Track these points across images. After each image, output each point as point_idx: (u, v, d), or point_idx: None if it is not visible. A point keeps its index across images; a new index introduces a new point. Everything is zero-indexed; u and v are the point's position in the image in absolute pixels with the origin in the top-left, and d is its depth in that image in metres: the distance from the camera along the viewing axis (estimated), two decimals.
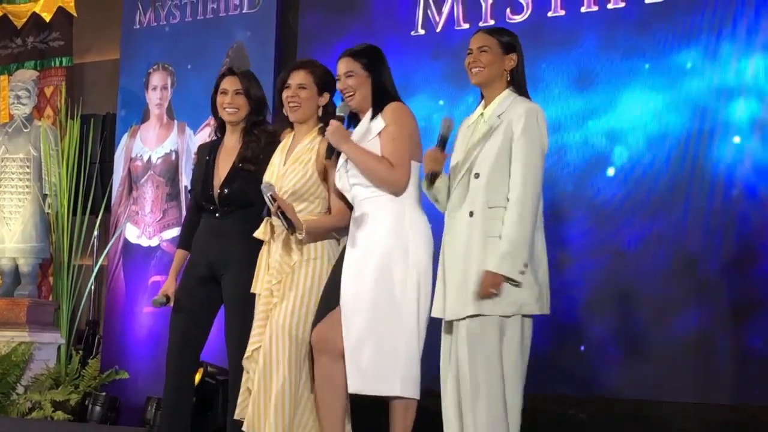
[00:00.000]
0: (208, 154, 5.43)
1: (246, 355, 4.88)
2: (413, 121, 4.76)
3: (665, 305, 5.89)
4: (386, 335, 4.58)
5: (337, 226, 4.84)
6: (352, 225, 4.73)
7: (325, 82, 4.95)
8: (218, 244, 5.25)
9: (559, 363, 6.01)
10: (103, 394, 7.81)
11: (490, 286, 4.36)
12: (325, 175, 4.87)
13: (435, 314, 4.59)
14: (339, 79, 4.82)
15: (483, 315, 4.41)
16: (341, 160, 4.74)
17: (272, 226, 4.91)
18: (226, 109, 5.35)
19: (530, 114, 4.47)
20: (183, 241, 5.49)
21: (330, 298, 4.70)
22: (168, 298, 5.40)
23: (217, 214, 5.28)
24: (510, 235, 4.37)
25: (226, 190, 5.24)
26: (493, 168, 4.48)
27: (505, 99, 4.58)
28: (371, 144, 4.68)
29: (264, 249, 4.95)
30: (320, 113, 4.95)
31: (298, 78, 4.95)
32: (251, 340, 4.87)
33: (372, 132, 4.71)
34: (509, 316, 4.42)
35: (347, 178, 4.73)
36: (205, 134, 7.82)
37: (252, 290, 4.95)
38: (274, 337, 4.76)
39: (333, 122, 4.68)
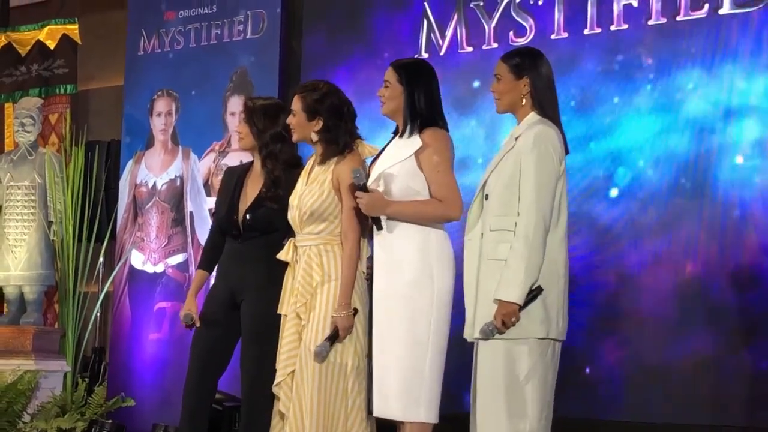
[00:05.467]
0: (236, 178, 5.48)
1: (277, 380, 4.89)
2: (452, 149, 4.77)
3: (671, 327, 5.86)
4: (412, 362, 4.61)
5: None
6: (377, 246, 4.73)
7: (315, 109, 4.94)
8: (239, 269, 5.32)
9: (565, 386, 5.95)
10: (110, 421, 7.80)
11: (503, 315, 4.36)
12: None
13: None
14: None
15: (488, 339, 4.43)
16: (372, 178, 4.73)
17: (295, 248, 4.94)
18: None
19: (539, 137, 4.46)
20: (203, 262, 5.58)
21: None
22: (192, 318, 5.41)
23: (239, 240, 5.34)
24: (514, 261, 4.37)
25: (249, 216, 5.29)
26: (503, 190, 4.49)
27: (526, 122, 4.59)
28: (406, 165, 4.67)
29: (289, 270, 4.98)
30: (314, 138, 4.95)
31: (293, 104, 5.00)
32: (281, 364, 4.89)
33: (404, 151, 4.69)
34: (518, 340, 4.42)
35: None
36: (209, 160, 7.86)
37: (278, 311, 4.98)
38: (303, 360, 4.79)
39: (360, 196, 4.66)
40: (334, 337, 4.73)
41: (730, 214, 5.73)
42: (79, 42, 8.70)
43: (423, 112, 4.73)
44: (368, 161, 4.95)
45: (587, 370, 6.11)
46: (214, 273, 5.60)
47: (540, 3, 6.49)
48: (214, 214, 5.68)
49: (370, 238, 4.81)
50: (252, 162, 5.50)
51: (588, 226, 6.16)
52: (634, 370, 5.98)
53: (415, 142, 4.68)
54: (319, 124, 4.93)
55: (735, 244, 5.72)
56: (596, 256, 6.15)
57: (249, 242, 5.32)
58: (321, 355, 4.71)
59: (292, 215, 4.96)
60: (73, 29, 8.69)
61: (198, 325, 5.41)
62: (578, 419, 6.03)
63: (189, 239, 7.90)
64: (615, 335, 6.07)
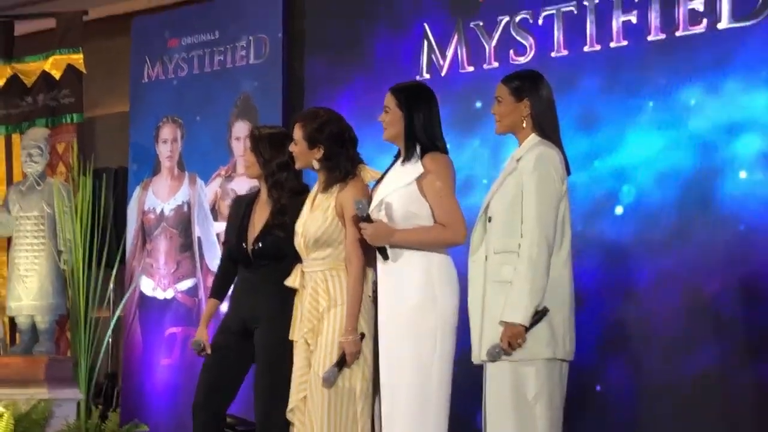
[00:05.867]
0: (245, 206, 5.51)
1: (290, 407, 4.92)
2: (454, 172, 4.79)
3: (680, 344, 5.85)
4: (419, 386, 4.64)
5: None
6: (380, 271, 4.75)
7: (315, 138, 4.96)
8: (251, 298, 5.35)
9: (577, 404, 5.96)
10: None
11: (509, 337, 4.37)
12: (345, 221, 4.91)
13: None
14: None
15: (495, 361, 4.44)
16: (374, 203, 4.74)
17: (302, 273, 4.96)
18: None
19: (540, 159, 4.49)
20: (214, 290, 5.65)
21: None
22: (202, 345, 5.45)
23: (250, 268, 5.37)
24: (519, 283, 4.39)
25: (259, 245, 5.32)
26: (506, 213, 4.53)
27: (527, 143, 4.62)
28: (408, 191, 4.69)
29: (297, 297, 5.02)
30: (316, 166, 4.97)
31: (294, 132, 5.04)
32: (294, 390, 4.93)
33: (406, 177, 4.71)
34: (525, 361, 4.43)
35: None
36: (216, 185, 7.89)
37: (290, 338, 5.01)
38: (313, 386, 4.83)
39: (364, 227, 4.67)
40: (341, 363, 4.75)
41: (735, 229, 5.72)
42: (84, 71, 8.73)
43: (423, 136, 4.75)
44: (371, 185, 4.96)
45: (598, 388, 6.11)
46: (225, 301, 5.64)
47: (540, 22, 6.49)
48: (224, 243, 5.70)
49: (376, 262, 4.82)
50: (259, 190, 5.53)
51: (594, 244, 6.16)
52: (644, 387, 5.97)
53: (417, 167, 4.69)
54: (320, 152, 4.95)
55: (741, 259, 5.71)
56: (604, 274, 6.14)
57: (259, 270, 5.34)
58: (329, 381, 4.73)
59: (298, 242, 4.99)
60: (77, 59, 8.71)
61: (209, 351, 5.44)
62: None
63: (198, 264, 7.93)
64: (625, 353, 6.05)
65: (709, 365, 5.75)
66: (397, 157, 4.85)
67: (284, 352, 5.08)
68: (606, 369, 6.10)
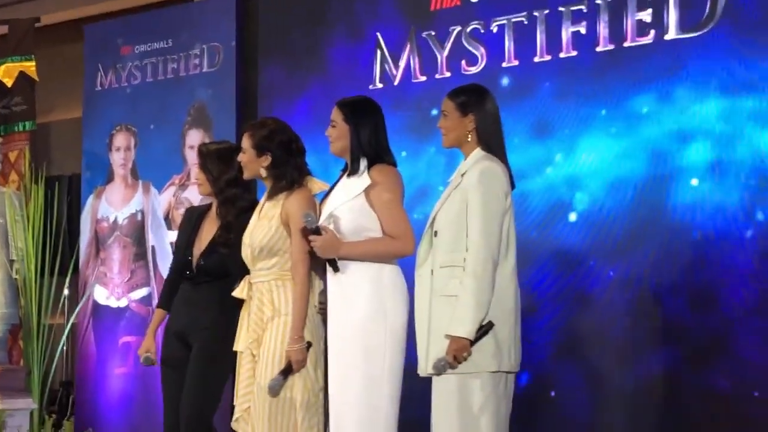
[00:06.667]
0: (195, 219, 5.52)
1: (235, 417, 4.91)
2: (402, 184, 4.78)
3: (632, 349, 5.92)
4: (368, 397, 4.62)
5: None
6: (330, 282, 4.74)
7: (263, 146, 4.96)
8: (189, 311, 5.36)
9: (531, 409, 6.03)
10: None
11: (455, 351, 4.40)
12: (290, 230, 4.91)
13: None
14: None
15: (441, 374, 4.47)
16: (323, 217, 4.76)
17: (250, 284, 4.97)
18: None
19: (483, 174, 4.51)
20: (162, 301, 5.60)
21: None
22: (150, 358, 5.47)
23: (192, 282, 5.38)
24: (464, 297, 4.41)
25: (201, 261, 5.33)
26: (451, 227, 4.54)
27: (472, 158, 4.64)
28: (356, 203, 4.69)
29: (244, 308, 4.99)
30: (263, 174, 4.99)
31: (242, 142, 5.04)
32: (239, 400, 4.91)
33: (354, 189, 4.71)
34: (471, 374, 4.46)
35: None
36: (169, 193, 7.87)
37: (235, 348, 4.98)
38: (256, 396, 4.81)
39: (314, 240, 4.66)
40: (287, 371, 4.74)
41: (687, 237, 5.79)
42: (36, 79, 8.69)
43: (369, 149, 4.76)
44: (319, 197, 4.97)
45: (552, 393, 6.16)
46: None
47: (494, 31, 6.54)
48: (174, 254, 5.70)
49: (324, 273, 4.83)
50: (211, 204, 5.53)
51: (548, 251, 6.21)
52: (598, 392, 6.03)
53: (364, 179, 4.70)
54: (267, 160, 4.95)
55: (692, 266, 5.77)
56: (557, 281, 6.19)
57: (201, 286, 5.36)
58: (274, 390, 4.73)
59: (245, 252, 4.98)
60: (29, 66, 8.68)
61: (156, 363, 5.46)
62: None
63: (152, 273, 7.91)
64: (578, 359, 6.10)
65: (662, 371, 5.82)
66: (344, 170, 4.86)
67: (219, 362, 5.14)
68: (560, 375, 6.15)
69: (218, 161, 5.34)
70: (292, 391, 4.76)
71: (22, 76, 8.72)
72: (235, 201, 5.32)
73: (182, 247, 5.47)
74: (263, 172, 4.97)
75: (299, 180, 4.95)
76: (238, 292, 5.01)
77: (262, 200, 5.08)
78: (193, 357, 5.28)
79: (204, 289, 5.33)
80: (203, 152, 5.43)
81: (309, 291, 4.82)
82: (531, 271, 6.17)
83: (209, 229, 5.41)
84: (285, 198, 4.91)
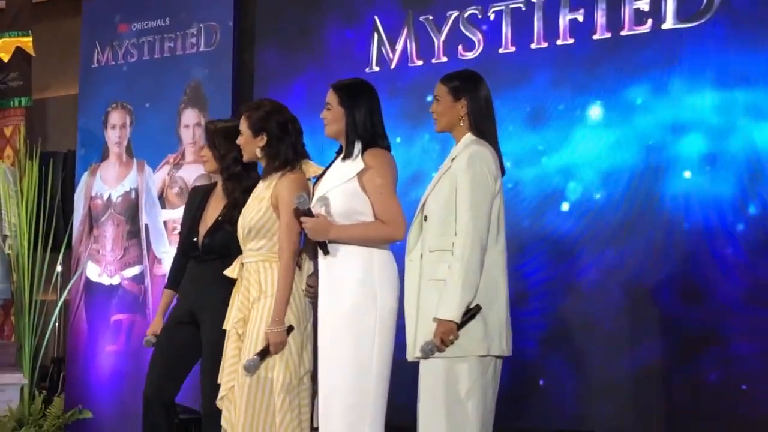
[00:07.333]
0: (200, 198, 5.53)
1: (220, 395, 4.93)
2: (395, 168, 4.78)
3: (621, 339, 5.92)
4: (357, 381, 4.63)
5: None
6: (321, 266, 4.75)
7: (260, 126, 4.97)
8: (197, 289, 5.37)
9: (519, 398, 6.03)
10: None
11: (442, 334, 4.41)
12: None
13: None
14: None
15: (428, 358, 4.48)
16: (314, 200, 4.75)
17: (242, 265, 4.97)
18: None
19: (472, 158, 4.51)
20: (169, 281, 5.64)
21: None
22: (152, 341, 5.52)
23: (198, 261, 5.40)
24: (452, 280, 4.42)
25: (207, 239, 5.35)
26: (441, 211, 4.55)
27: (462, 143, 4.64)
28: (349, 186, 4.69)
29: (236, 287, 5.02)
30: (259, 155, 4.99)
31: (240, 124, 5.05)
32: (224, 379, 4.93)
33: (347, 173, 4.71)
34: (458, 358, 4.46)
35: None
36: (164, 172, 7.85)
37: (223, 327, 5.01)
38: (240, 376, 4.83)
39: (305, 221, 4.67)
40: (264, 353, 4.76)
41: (679, 228, 5.79)
42: (33, 54, 8.67)
43: (364, 133, 4.75)
44: (312, 181, 4.97)
45: (541, 382, 6.16)
46: None
47: (491, 17, 6.52)
48: (179, 233, 5.69)
49: (315, 257, 4.83)
50: (216, 182, 5.54)
51: (540, 239, 6.21)
52: (587, 381, 6.03)
53: (358, 163, 4.70)
54: (263, 140, 4.97)
55: (684, 258, 5.77)
56: (549, 270, 6.19)
57: (207, 264, 5.36)
58: (249, 370, 4.75)
59: (239, 232, 5.01)
60: (26, 42, 8.66)
61: (153, 340, 5.50)
62: (532, 429, 6.10)
63: (144, 252, 7.89)
64: (568, 348, 6.11)
65: (651, 361, 5.83)
66: (338, 153, 4.85)
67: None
68: (549, 364, 6.16)
69: (224, 139, 5.34)
70: (273, 372, 4.77)
71: (19, 51, 8.69)
72: (241, 178, 5.32)
73: (187, 226, 5.49)
74: (259, 153, 4.98)
75: (294, 160, 4.96)
76: (230, 272, 5.05)
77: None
78: (205, 347, 5.27)
79: (210, 267, 5.32)
80: (210, 130, 5.44)
81: (294, 274, 4.83)
82: (523, 259, 6.17)
83: (215, 208, 5.43)
84: (277, 180, 4.91)
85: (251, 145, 5.00)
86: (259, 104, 5.09)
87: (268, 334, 4.76)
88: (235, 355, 4.90)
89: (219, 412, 4.99)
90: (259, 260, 4.92)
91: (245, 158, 5.10)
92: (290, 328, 4.77)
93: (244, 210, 5.01)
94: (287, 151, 4.96)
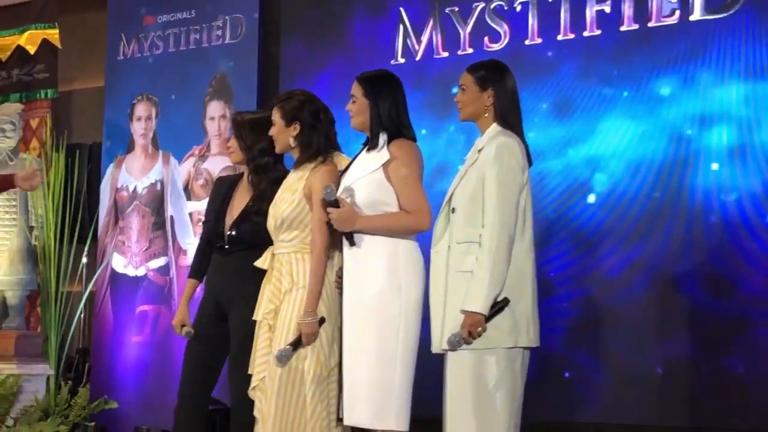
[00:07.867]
0: (226, 189, 5.53)
1: (252, 385, 4.93)
2: (421, 159, 4.77)
3: (648, 332, 5.91)
4: (382, 372, 4.62)
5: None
6: (347, 257, 4.75)
7: (293, 116, 4.98)
8: (224, 281, 5.37)
9: (544, 391, 6.02)
10: (92, 424, 7.87)
11: (469, 326, 4.40)
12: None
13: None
14: None
15: (455, 351, 4.47)
16: (340, 191, 4.76)
17: (273, 255, 4.98)
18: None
19: (500, 150, 4.50)
20: (193, 271, 5.64)
21: None
22: (190, 331, 5.46)
23: (225, 252, 5.39)
24: (479, 272, 4.41)
25: (234, 230, 5.34)
26: (468, 203, 4.54)
27: (488, 134, 4.63)
28: (374, 177, 4.69)
29: (266, 278, 5.02)
30: (292, 144, 5.00)
31: (272, 116, 5.04)
32: (256, 369, 4.93)
33: (372, 164, 4.71)
34: (486, 350, 4.46)
35: None
36: (189, 164, 7.88)
37: (254, 318, 5.01)
38: (271, 366, 4.83)
39: (331, 212, 4.67)
40: (297, 343, 4.76)
41: (706, 220, 5.77)
42: (59, 46, 8.70)
43: (389, 124, 4.75)
44: (340, 172, 4.98)
45: (566, 374, 6.16)
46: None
47: (518, 9, 6.51)
48: (204, 224, 5.71)
49: (342, 248, 4.84)
50: (242, 174, 5.54)
51: (566, 231, 6.20)
52: (612, 374, 6.03)
53: (383, 154, 4.70)
54: (296, 129, 4.97)
55: (711, 250, 5.76)
56: (575, 262, 6.18)
57: (234, 255, 5.35)
58: (281, 360, 4.75)
59: (269, 223, 5.01)
60: (53, 34, 8.69)
61: (192, 331, 5.46)
62: (557, 422, 6.09)
63: (170, 243, 7.92)
64: (593, 340, 6.10)
65: (677, 353, 5.81)
66: (365, 145, 4.86)
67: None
68: (574, 356, 6.15)
69: (251, 130, 5.33)
70: (304, 363, 4.78)
71: (45, 43, 8.72)
72: (267, 170, 5.31)
73: (213, 217, 5.48)
74: (292, 142, 4.98)
75: (326, 149, 4.96)
76: (261, 263, 5.05)
77: (289, 175, 5.10)
78: (234, 338, 5.28)
79: (237, 259, 5.32)
80: (237, 121, 5.43)
81: (326, 266, 4.84)
82: (549, 251, 6.16)
83: (241, 199, 5.42)
84: (311, 171, 4.92)
85: (284, 135, 5.00)
86: (291, 94, 5.09)
87: (300, 324, 4.76)
88: (266, 345, 4.91)
89: (248, 402, 5.00)
90: (291, 251, 4.92)
91: (278, 149, 5.09)
92: (322, 320, 4.78)
93: (275, 200, 5.01)
94: (320, 139, 4.96)
